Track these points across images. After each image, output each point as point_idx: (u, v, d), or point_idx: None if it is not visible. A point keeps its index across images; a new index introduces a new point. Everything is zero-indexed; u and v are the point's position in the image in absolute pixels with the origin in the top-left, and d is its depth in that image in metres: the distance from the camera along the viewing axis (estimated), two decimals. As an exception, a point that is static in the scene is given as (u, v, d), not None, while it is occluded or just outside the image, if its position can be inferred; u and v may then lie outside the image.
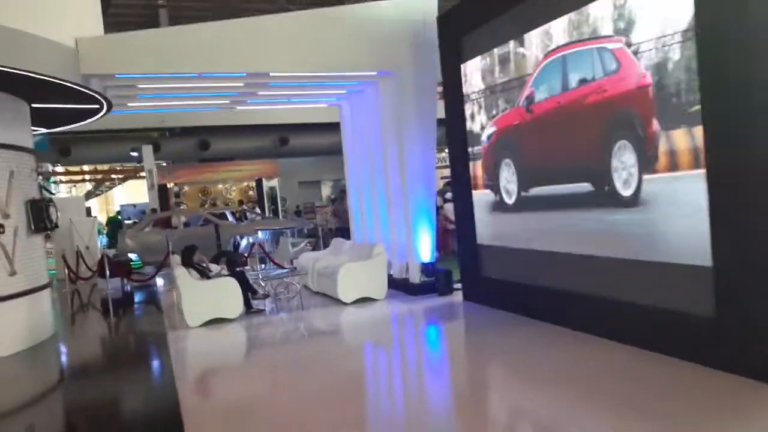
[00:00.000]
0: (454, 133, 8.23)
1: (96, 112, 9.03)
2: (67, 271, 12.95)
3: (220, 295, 8.23)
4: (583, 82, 5.74)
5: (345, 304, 8.63)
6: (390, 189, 9.50)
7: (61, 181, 25.65)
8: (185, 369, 6.48)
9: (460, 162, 8.15)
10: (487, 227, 7.73)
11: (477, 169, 7.84)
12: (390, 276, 9.14)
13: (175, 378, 5.86)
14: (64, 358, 7.85)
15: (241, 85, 9.19)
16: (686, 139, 4.69)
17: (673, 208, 4.88)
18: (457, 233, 8.67)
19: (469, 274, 8.19)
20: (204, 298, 8.14)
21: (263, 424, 4.58)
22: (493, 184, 7.46)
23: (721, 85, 4.39)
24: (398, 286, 9.21)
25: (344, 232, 13.04)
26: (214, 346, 7.31)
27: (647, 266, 5.16)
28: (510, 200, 7.16)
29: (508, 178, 7.15)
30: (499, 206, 7.42)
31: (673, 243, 4.88)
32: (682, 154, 4.75)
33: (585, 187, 5.84)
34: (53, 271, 12.78)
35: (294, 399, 5.07)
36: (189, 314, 8.03)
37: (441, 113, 8.63)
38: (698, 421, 3.81)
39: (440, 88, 8.82)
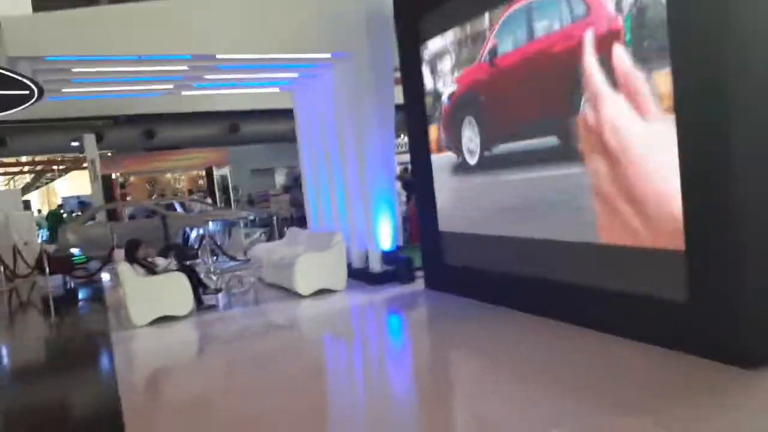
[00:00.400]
0: (413, 117, 7.93)
1: (26, 98, 8.32)
2: (2, 268, 12.13)
3: (169, 291, 7.76)
4: (549, 29, 5.44)
5: (302, 296, 8.27)
6: (348, 175, 9.16)
7: (1, 174, 24.23)
8: (130, 370, 6.10)
9: (420, 149, 7.86)
10: (449, 193, 7.40)
11: (439, 132, 7.49)
12: (349, 266, 8.82)
13: (119, 380, 5.53)
14: (-4, 364, 7.28)
15: (186, 68, 8.63)
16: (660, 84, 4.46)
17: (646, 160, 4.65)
18: (418, 220, 8.40)
19: (430, 260, 7.96)
20: (151, 295, 7.66)
21: (214, 424, 4.30)
22: (455, 146, 7.13)
23: (692, 32, 4.18)
24: (358, 275, 8.90)
25: (301, 221, 12.64)
26: (163, 345, 6.87)
27: (618, 250, 5.01)
28: (473, 160, 6.84)
29: (471, 137, 6.84)
30: (461, 168, 7.09)
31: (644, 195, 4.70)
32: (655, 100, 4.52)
33: (551, 141, 5.60)
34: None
35: (249, 397, 4.78)
36: (135, 312, 7.53)
37: (400, 98, 8.32)
38: (679, 412, 3.66)
39: (398, 73, 8.48)
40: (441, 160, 7.49)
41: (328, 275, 8.43)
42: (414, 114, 7.87)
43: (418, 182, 8.11)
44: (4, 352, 7.86)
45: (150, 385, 5.82)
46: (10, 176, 26.08)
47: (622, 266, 5.00)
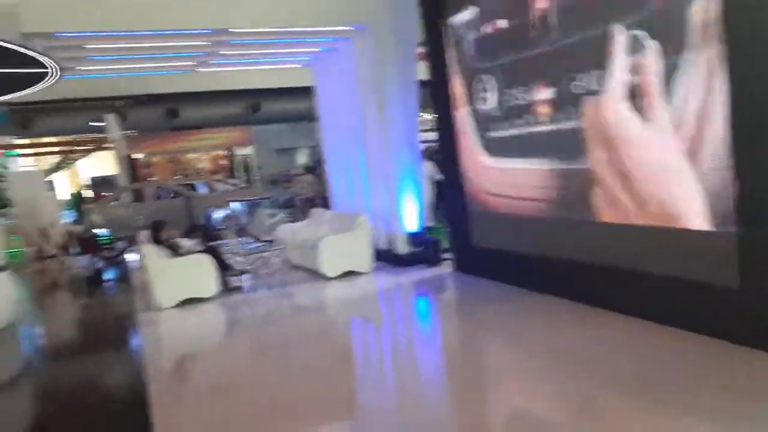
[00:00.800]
0: (439, 92, 7.65)
1: (44, 77, 8.22)
2: (31, 249, 12.24)
3: (194, 273, 7.70)
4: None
5: (328, 278, 8.15)
6: (371, 154, 8.95)
7: (24, 155, 24.50)
8: (158, 352, 6.09)
9: (446, 127, 7.60)
10: (480, 171, 7.08)
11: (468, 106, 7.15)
12: (375, 247, 8.66)
13: (147, 361, 5.52)
14: (26, 344, 7.33)
15: (203, 43, 8.45)
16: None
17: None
18: (445, 199, 8.16)
19: (459, 242, 7.75)
20: (176, 276, 7.60)
21: (239, 406, 4.26)
22: (487, 121, 6.75)
23: None
24: (384, 257, 8.73)
25: (324, 202, 12.49)
26: (189, 327, 6.85)
27: (665, 232, 4.75)
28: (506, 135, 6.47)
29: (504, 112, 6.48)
30: (493, 144, 6.73)
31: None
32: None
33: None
34: (17, 250, 12.08)
35: (275, 380, 4.73)
36: (161, 294, 7.48)
37: (422, 75, 8.06)
38: (726, 406, 3.44)
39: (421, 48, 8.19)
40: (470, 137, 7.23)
41: (354, 257, 8.28)
42: (439, 89, 7.60)
43: (444, 160, 7.87)
44: (36, 331, 7.91)
45: (177, 367, 5.80)
46: (37, 158, 26.31)
47: (667, 249, 4.73)
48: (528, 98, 6.01)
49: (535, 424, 3.62)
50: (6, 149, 18.78)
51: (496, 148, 6.71)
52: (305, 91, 12.89)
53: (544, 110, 5.82)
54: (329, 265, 8.17)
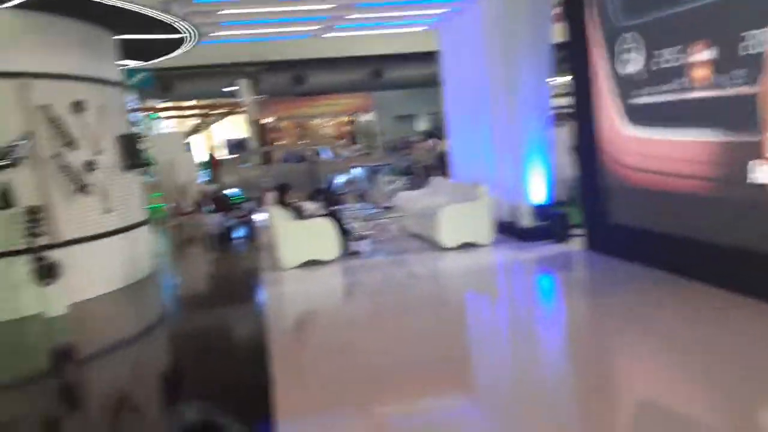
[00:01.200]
0: (575, 52, 7.07)
1: (183, 42, 8.64)
2: (169, 206, 13.20)
3: (316, 236, 7.85)
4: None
5: (445, 248, 7.97)
6: (497, 121, 8.54)
7: (166, 117, 26.43)
8: (280, 309, 6.29)
9: (582, 91, 7.02)
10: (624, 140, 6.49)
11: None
12: (497, 220, 8.31)
13: (270, 316, 5.80)
14: (161, 295, 7.92)
15: (329, 7, 8.42)
16: None
17: None
18: (579, 170, 7.57)
19: (593, 219, 7.17)
20: (299, 239, 7.79)
21: (357, 364, 4.40)
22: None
23: None
24: (506, 230, 8.38)
25: (443, 170, 12.26)
26: (310, 287, 7.01)
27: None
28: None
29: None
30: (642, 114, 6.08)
31: None
32: None
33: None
34: (157, 205, 13.05)
35: (388, 345, 4.79)
36: (285, 255, 7.72)
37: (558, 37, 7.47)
38: None
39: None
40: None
41: (473, 228, 8.02)
42: (576, 51, 7.00)
43: (579, 128, 7.28)
44: (172, 282, 8.52)
45: (297, 324, 5.96)
46: (178, 120, 28.24)
47: None
48: (682, 60, 5.34)
49: (674, 421, 3.23)
50: (150, 112, 20.32)
51: (640, 116, 6.07)
52: (427, 57, 12.62)
53: (702, 73, 5.13)
54: (447, 235, 7.98)
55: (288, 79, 20.17)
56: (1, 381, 5.14)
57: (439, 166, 12.70)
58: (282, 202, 8.48)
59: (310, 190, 11.65)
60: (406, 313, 5.66)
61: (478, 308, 6.15)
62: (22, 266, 6.37)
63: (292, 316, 6.23)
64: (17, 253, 6.40)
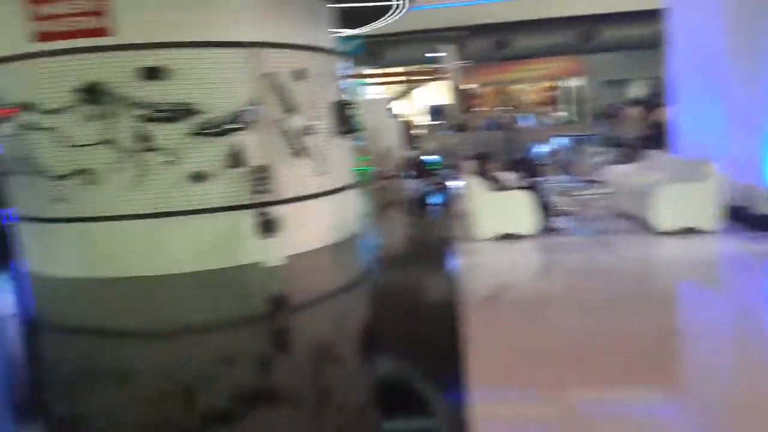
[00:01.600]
0: None
1: (391, 8, 8.80)
2: (374, 170, 13.84)
3: (514, 208, 7.60)
4: None
5: (660, 233, 7.19)
6: (734, 91, 7.38)
7: (373, 84, 27.66)
8: (473, 279, 6.23)
9: None
10: None
11: None
12: (727, 203, 7.25)
13: (463, 285, 5.80)
14: (364, 253, 8.37)
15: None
16: None
17: None
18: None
19: None
20: (496, 210, 7.62)
21: (552, 341, 4.30)
22: None
23: None
24: (738, 216, 7.27)
25: (658, 142, 11.07)
26: (504, 261, 6.87)
27: None
28: None
29: None
30: None
31: None
32: None
33: None
34: (364, 169, 13.77)
35: (585, 334, 4.50)
36: (481, 226, 7.62)
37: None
38: None
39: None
40: None
41: (696, 212, 7.11)
42: None
43: None
44: (373, 242, 8.96)
45: (490, 296, 5.88)
46: (383, 86, 29.36)
47: None
48: None
49: None
50: (358, 78, 21.38)
51: None
52: (647, 15, 11.31)
53: None
54: (664, 218, 7.18)
55: (491, 43, 19.75)
56: (221, 320, 5.87)
57: (656, 137, 11.47)
58: (480, 172, 8.35)
59: (509, 159, 11.35)
60: (610, 300, 5.23)
61: (695, 303, 5.46)
62: (248, 219, 7.12)
63: (486, 287, 6.14)
64: (244, 207, 7.16)
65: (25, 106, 6.84)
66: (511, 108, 21.49)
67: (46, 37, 6.69)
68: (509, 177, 8.51)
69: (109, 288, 6.81)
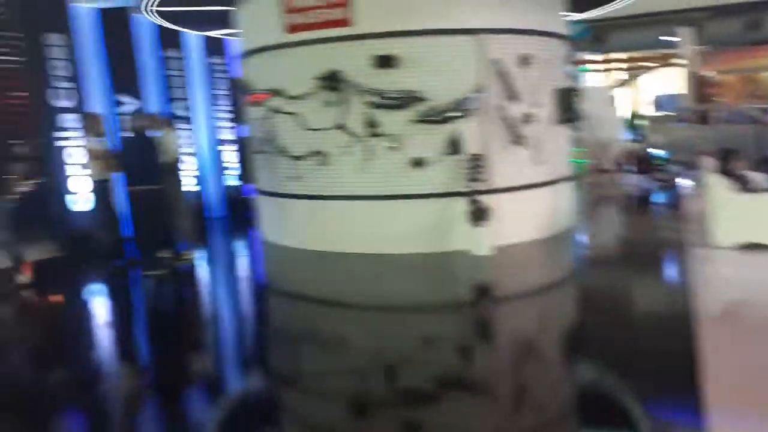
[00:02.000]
0: None
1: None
2: (591, 162, 13.04)
3: (763, 213, 6.58)
4: None
5: None
6: None
7: (595, 70, 26.07)
8: (709, 292, 5.49)
9: None
10: None
11: None
12: None
13: (695, 299, 5.15)
14: (576, 250, 7.95)
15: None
16: None
17: None
18: None
19: None
20: (741, 215, 6.68)
21: None
22: None
23: None
24: None
25: None
26: (752, 275, 5.97)
27: None
28: None
29: None
30: None
31: None
32: None
33: None
34: (581, 161, 13.06)
35: None
36: (719, 231, 6.73)
37: None
38: None
39: None
40: None
41: None
42: None
43: None
44: (589, 239, 8.44)
45: (730, 314, 5.16)
46: (606, 73, 27.51)
47: None
48: None
49: None
50: (580, 64, 20.26)
51: None
52: None
53: None
54: None
55: (739, 25, 17.36)
56: (429, 303, 5.98)
57: None
58: (724, 170, 7.35)
59: (758, 157, 9.87)
60: None
61: None
62: (461, 207, 7.15)
63: (725, 303, 5.40)
64: (457, 194, 7.20)
65: (274, 92, 7.66)
66: (761, 98, 18.64)
67: (295, 28, 7.39)
68: (759, 178, 7.36)
69: (332, 261, 7.38)
